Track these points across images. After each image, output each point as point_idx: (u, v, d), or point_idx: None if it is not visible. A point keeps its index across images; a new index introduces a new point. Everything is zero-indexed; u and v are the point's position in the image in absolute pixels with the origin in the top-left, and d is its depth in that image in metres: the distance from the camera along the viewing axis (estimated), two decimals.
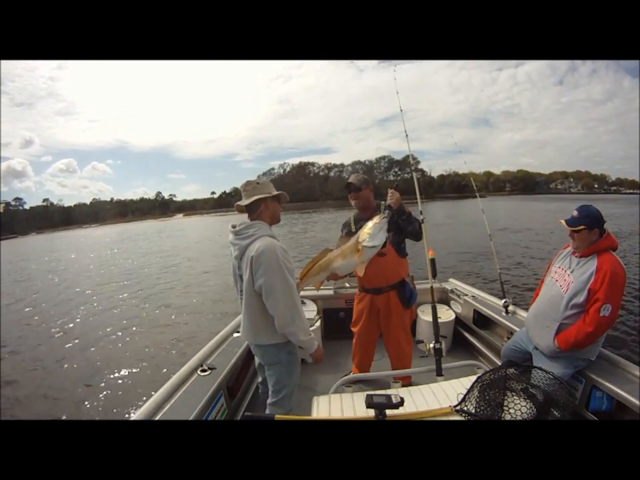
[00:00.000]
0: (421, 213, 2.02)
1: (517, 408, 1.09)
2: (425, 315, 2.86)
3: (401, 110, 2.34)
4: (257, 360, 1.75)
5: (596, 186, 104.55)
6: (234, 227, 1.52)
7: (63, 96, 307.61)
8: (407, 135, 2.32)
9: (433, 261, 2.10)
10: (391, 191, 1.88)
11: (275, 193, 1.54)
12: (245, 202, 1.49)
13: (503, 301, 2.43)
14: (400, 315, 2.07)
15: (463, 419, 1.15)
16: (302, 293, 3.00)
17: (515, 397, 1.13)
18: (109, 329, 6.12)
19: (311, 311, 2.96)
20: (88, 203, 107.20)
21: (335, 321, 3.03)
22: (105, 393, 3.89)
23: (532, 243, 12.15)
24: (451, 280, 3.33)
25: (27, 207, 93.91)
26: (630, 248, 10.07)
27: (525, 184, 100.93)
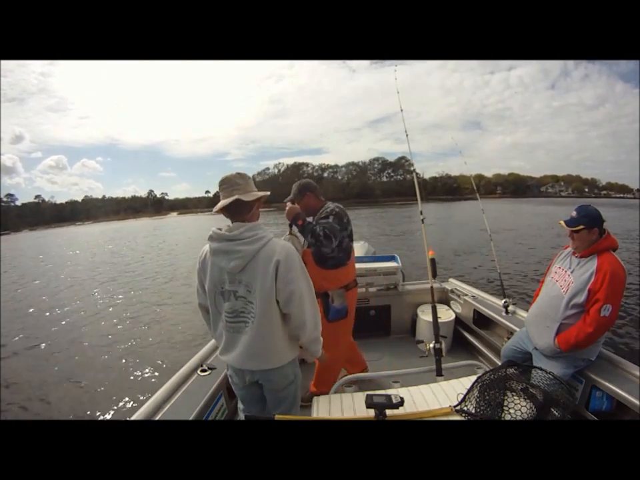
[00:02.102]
0: (421, 213, 2.01)
1: (517, 408, 1.09)
2: (425, 314, 2.85)
3: (402, 110, 2.35)
4: (239, 379, 1.33)
5: (586, 190, 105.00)
6: (220, 229, 1.21)
7: (54, 92, 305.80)
8: (407, 135, 2.33)
9: (433, 260, 2.11)
10: (286, 203, 1.84)
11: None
12: (246, 197, 1.18)
13: (503, 301, 2.43)
14: (325, 324, 2.00)
15: (463, 419, 1.15)
16: None
17: (515, 397, 1.13)
18: (109, 325, 6.14)
19: None
20: (79, 200, 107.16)
21: None
22: (104, 393, 3.89)
23: (514, 244, 12.31)
24: (451, 280, 3.33)
25: (18, 203, 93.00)
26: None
27: (515, 187, 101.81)
